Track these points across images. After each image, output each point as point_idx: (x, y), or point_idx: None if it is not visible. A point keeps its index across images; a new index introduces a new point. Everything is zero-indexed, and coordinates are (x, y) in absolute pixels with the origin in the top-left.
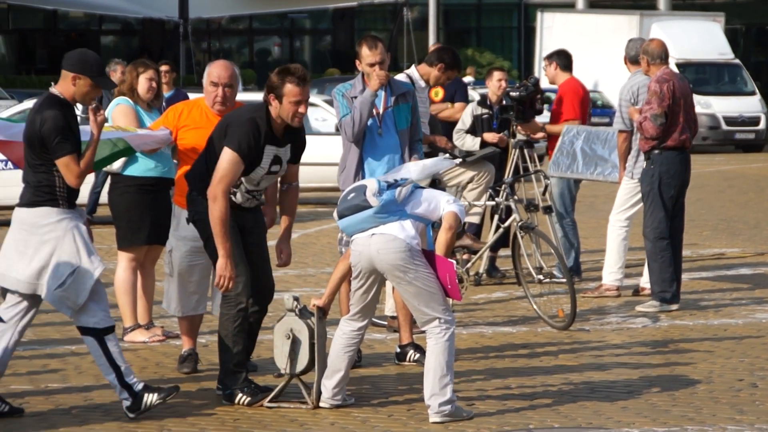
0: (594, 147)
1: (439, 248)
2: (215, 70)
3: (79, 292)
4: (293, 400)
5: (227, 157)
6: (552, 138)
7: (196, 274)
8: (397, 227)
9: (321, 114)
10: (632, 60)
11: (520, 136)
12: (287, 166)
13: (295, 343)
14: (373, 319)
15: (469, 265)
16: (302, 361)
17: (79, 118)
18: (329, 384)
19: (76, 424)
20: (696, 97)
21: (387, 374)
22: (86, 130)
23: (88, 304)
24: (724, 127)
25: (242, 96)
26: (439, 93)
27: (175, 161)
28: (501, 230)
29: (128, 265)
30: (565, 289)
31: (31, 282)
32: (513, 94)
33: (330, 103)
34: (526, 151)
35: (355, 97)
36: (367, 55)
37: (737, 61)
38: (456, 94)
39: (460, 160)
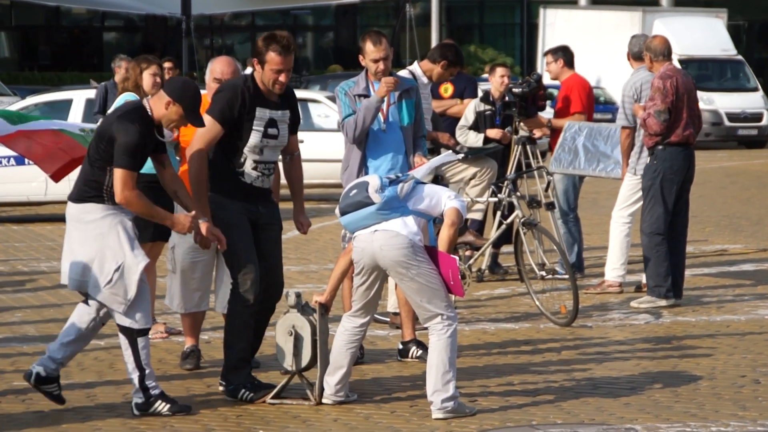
0: (596, 143)
1: (442, 244)
2: (218, 66)
3: (129, 287)
4: (296, 397)
5: (205, 120)
6: (556, 134)
7: (198, 271)
8: (400, 223)
9: (323, 110)
10: (635, 56)
11: (522, 133)
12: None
13: (297, 340)
14: (376, 316)
15: (471, 261)
16: (305, 357)
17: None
18: (332, 380)
19: (79, 421)
20: (698, 94)
21: (389, 371)
22: (74, 124)
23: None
24: (727, 123)
25: None
26: (448, 89)
27: (178, 158)
28: (504, 227)
29: None
30: (568, 286)
31: (77, 279)
32: (516, 90)
33: (333, 99)
34: (528, 147)
35: (358, 95)
36: (371, 50)
37: (740, 57)
38: (465, 90)
39: (463, 155)
